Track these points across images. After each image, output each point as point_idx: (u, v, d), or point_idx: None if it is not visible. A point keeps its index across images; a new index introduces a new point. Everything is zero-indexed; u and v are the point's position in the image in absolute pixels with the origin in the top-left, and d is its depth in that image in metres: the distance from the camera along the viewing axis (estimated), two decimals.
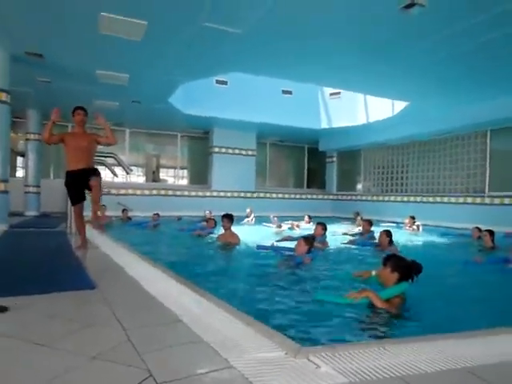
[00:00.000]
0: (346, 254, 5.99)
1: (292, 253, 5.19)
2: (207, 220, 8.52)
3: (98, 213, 5.26)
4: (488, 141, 11.09)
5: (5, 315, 2.39)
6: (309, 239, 5.20)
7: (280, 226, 9.41)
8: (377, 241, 6.56)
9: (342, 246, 6.73)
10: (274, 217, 11.09)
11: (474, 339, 2.18)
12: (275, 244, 6.00)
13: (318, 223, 6.59)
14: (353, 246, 6.78)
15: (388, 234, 6.05)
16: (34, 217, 11.21)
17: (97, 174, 4.99)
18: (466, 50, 6.56)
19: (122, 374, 1.68)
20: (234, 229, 6.59)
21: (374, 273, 3.50)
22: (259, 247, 5.93)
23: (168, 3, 5.34)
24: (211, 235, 7.42)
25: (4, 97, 7.17)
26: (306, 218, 10.75)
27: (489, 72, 7.73)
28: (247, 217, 11.36)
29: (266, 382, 1.61)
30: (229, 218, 6.35)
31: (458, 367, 1.80)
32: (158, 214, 10.46)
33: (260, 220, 11.16)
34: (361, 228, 9.21)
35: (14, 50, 7.14)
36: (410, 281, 3.07)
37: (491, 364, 1.85)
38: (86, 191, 5.05)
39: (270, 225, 9.84)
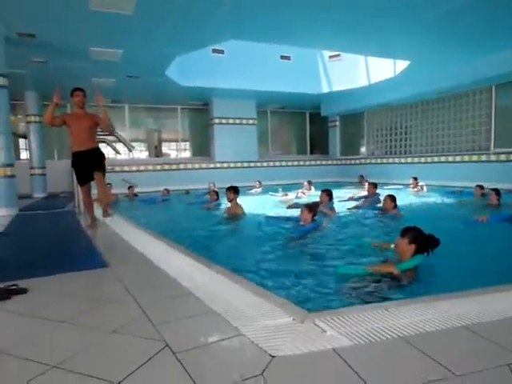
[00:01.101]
0: (354, 220, 6.04)
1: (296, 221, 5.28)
2: (210, 193, 8.60)
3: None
4: (493, 96, 10.87)
5: (25, 296, 2.51)
6: (312, 206, 5.24)
7: (286, 195, 9.45)
8: (381, 204, 6.60)
9: (348, 212, 6.76)
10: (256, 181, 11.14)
11: (474, 297, 2.26)
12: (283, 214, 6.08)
13: (323, 190, 6.58)
14: (359, 211, 6.80)
15: (392, 198, 6.08)
16: (42, 198, 11.36)
17: (102, 165, 5.16)
18: (467, 2, 6.33)
19: (140, 345, 1.78)
20: (241, 200, 6.65)
21: (392, 246, 3.53)
22: (268, 218, 6.02)
23: None
24: (219, 207, 7.49)
25: (2, 81, 7.10)
26: (306, 184, 10.58)
27: (491, 25, 7.48)
28: (255, 188, 11.37)
29: (274, 347, 1.71)
30: (232, 190, 6.41)
31: (457, 325, 1.88)
32: (167, 190, 10.55)
33: (266, 189, 11.22)
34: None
35: (5, 32, 7.01)
36: (426, 254, 3.10)
37: (490, 321, 1.93)
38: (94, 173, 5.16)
39: (277, 194, 9.89)
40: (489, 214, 5.37)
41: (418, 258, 3.07)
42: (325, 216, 6.00)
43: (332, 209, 6.31)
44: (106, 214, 5.53)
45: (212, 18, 6.76)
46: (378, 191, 8.04)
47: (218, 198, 8.00)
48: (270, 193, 10.22)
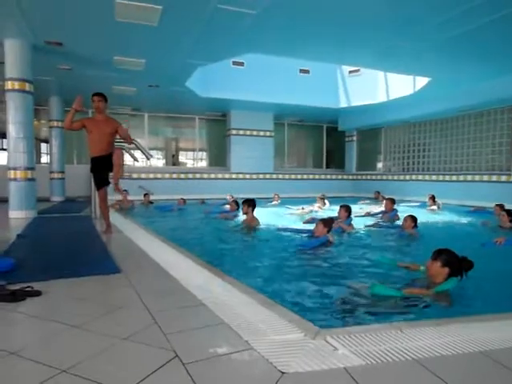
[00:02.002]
0: (372, 238, 5.95)
1: (309, 235, 5.24)
2: (230, 203, 8.61)
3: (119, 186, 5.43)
4: None
5: (38, 299, 2.54)
6: (328, 221, 5.20)
7: (302, 209, 9.38)
8: (399, 221, 6.49)
9: (366, 228, 6.65)
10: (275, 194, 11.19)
11: (490, 323, 2.19)
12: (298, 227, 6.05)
13: (341, 206, 6.50)
14: (377, 229, 6.70)
15: (413, 219, 5.99)
16: (60, 202, 11.59)
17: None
18: (489, 21, 6.27)
19: (151, 354, 1.78)
20: (258, 212, 6.62)
21: (422, 268, 3.45)
22: (279, 230, 6.02)
23: None
24: (236, 218, 7.50)
25: (27, 87, 7.34)
26: (319, 199, 10.17)
27: (510, 46, 7.40)
28: (274, 200, 11.36)
29: (285, 363, 1.68)
30: (247, 204, 6.39)
31: (473, 350, 1.83)
32: (184, 200, 10.61)
33: (284, 201, 11.24)
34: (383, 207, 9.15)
35: (34, 40, 7.26)
36: (460, 277, 3.01)
37: (507, 347, 1.87)
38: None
39: (293, 207, 9.84)
40: (506, 237, 5.21)
41: (453, 281, 2.96)
42: (342, 231, 5.96)
43: (350, 225, 6.25)
44: (108, 230, 5.47)
45: (233, 32, 6.87)
46: (395, 207, 7.94)
47: (238, 208, 8.00)
48: (287, 206, 10.18)
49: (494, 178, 11.04)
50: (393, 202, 8.01)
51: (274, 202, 11.20)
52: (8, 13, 6.18)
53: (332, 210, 8.99)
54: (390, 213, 7.69)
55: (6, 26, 6.80)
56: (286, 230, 6.08)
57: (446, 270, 3.00)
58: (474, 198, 10.99)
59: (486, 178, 11.29)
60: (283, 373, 1.61)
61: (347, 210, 6.41)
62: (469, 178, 11.79)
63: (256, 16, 6.12)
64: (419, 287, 3.00)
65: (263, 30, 6.84)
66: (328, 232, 5.03)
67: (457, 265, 3.01)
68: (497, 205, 8.03)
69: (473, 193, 11.28)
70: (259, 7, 5.83)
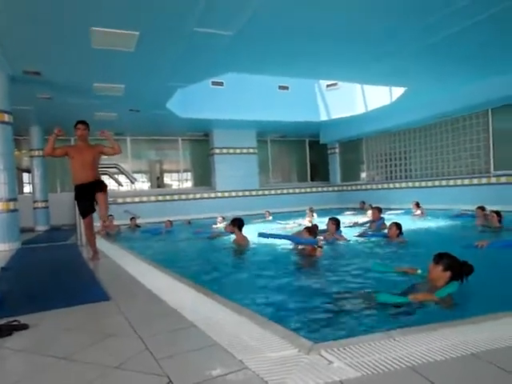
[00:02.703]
0: (361, 247, 5.99)
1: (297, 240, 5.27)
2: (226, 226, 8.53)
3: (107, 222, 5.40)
4: (490, 120, 11.02)
5: (26, 332, 2.48)
6: (311, 228, 5.25)
7: (294, 223, 9.40)
8: (387, 230, 6.57)
9: (355, 238, 6.72)
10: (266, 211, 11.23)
11: (480, 324, 2.22)
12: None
13: (330, 218, 6.56)
14: (365, 237, 6.76)
15: (398, 226, 6.08)
16: (45, 231, 11.37)
17: (103, 187, 5.15)
18: (462, 30, 6.50)
19: (143, 381, 1.75)
20: (250, 229, 6.59)
21: (419, 271, 3.51)
22: (261, 234, 5.91)
23: (156, 12, 5.38)
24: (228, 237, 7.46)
25: (6, 118, 7.28)
26: (308, 212, 10.44)
27: (485, 50, 7.68)
28: (266, 217, 11.46)
29: (280, 381, 1.67)
30: (233, 223, 6.35)
31: (465, 353, 1.84)
32: (170, 221, 10.56)
33: (276, 217, 11.32)
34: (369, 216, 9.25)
35: (11, 71, 7.25)
36: (460, 281, 3.05)
37: (498, 348, 1.89)
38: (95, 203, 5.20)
39: (282, 222, 9.86)
40: (489, 240, 5.30)
41: (454, 284, 3.00)
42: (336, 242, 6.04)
43: (341, 236, 6.32)
44: (95, 257, 5.40)
45: (211, 53, 6.97)
46: (382, 215, 8.04)
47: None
48: (277, 221, 10.21)
49: (475, 181, 11.29)
50: (379, 210, 8.11)
51: (267, 219, 11.26)
52: None
53: (321, 223, 9.04)
54: (377, 221, 7.77)
55: None
56: (264, 234, 6.04)
57: (448, 273, 3.04)
58: (457, 202, 11.20)
59: (467, 181, 11.54)
60: None
61: (335, 222, 6.46)
62: (451, 182, 12.04)
63: (232, 37, 6.23)
64: (423, 292, 3.00)
65: (240, 49, 6.96)
66: (314, 238, 5.06)
67: (458, 269, 3.05)
68: (478, 207, 8.21)
69: (456, 197, 11.50)
70: (235, 28, 5.94)
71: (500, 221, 6.85)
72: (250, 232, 6.62)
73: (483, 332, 2.09)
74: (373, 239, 6.52)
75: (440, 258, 3.11)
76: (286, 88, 13.71)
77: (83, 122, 5.24)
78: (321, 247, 4.95)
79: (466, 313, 2.53)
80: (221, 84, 12.72)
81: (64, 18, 5.47)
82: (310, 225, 9.13)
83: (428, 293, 2.97)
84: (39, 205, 12.23)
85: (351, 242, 6.35)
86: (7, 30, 5.79)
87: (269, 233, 6.22)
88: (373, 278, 3.83)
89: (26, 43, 6.25)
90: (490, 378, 1.66)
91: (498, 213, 6.96)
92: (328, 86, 13.69)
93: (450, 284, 3.01)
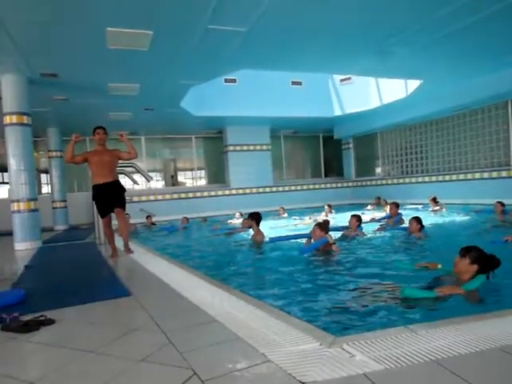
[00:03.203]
0: (380, 242, 5.94)
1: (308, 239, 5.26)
2: (242, 221, 8.57)
3: (129, 244, 5.57)
4: (509, 111, 10.77)
5: (52, 327, 2.55)
6: (323, 224, 5.19)
7: (310, 219, 9.39)
8: (405, 224, 6.49)
9: (373, 234, 6.66)
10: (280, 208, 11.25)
11: (505, 318, 2.19)
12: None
13: (352, 215, 6.58)
14: (384, 233, 6.69)
15: (418, 221, 5.98)
16: (64, 231, 11.60)
17: (122, 199, 5.34)
18: (475, 22, 6.37)
19: (169, 374, 1.78)
20: (266, 225, 6.62)
21: (439, 266, 3.49)
22: (271, 240, 6.03)
23: (170, 10, 5.41)
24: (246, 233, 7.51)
25: (25, 120, 7.44)
26: (327, 208, 10.54)
27: (503, 41, 7.51)
28: (281, 214, 11.46)
29: (304, 373, 1.68)
30: (251, 217, 6.42)
31: (491, 347, 1.82)
32: (186, 218, 10.67)
33: (291, 213, 11.34)
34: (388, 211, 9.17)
35: (29, 73, 7.39)
36: (487, 276, 3.03)
37: None
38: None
39: (298, 218, 9.86)
40: None
41: (481, 278, 2.98)
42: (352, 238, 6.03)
43: (361, 232, 6.32)
44: (127, 250, 5.52)
45: (224, 50, 6.98)
46: (399, 211, 7.93)
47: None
48: (294, 217, 10.21)
49: (495, 174, 11.06)
50: (397, 206, 7.99)
51: (282, 215, 11.29)
52: (3, 48, 6.30)
53: (334, 219, 9.03)
54: (395, 217, 7.66)
55: (1, 62, 6.93)
56: (275, 239, 6.08)
57: (475, 267, 3.02)
58: (476, 196, 11.00)
59: (486, 175, 11.31)
60: (303, 383, 1.61)
61: (358, 219, 6.46)
62: (469, 176, 11.82)
63: (246, 33, 6.23)
64: (449, 286, 2.98)
65: (254, 46, 6.95)
66: (326, 234, 5.03)
67: (485, 262, 3.03)
68: (497, 202, 8.05)
69: (475, 191, 11.29)
70: (248, 24, 5.94)
71: None
72: (265, 229, 6.65)
73: (509, 326, 2.06)
74: (391, 234, 6.46)
75: (467, 251, 3.08)
76: (299, 83, 13.63)
77: (102, 127, 5.39)
78: (334, 243, 4.93)
79: (492, 307, 2.50)
80: (234, 81, 12.74)
81: (81, 20, 5.55)
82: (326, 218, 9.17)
83: (454, 286, 2.94)
84: (58, 205, 12.47)
85: (370, 237, 6.30)
86: (25, 34, 5.90)
87: (277, 237, 6.27)
88: (393, 274, 3.80)
89: (44, 46, 6.37)
90: None
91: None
92: (342, 80, 13.56)
93: (476, 277, 2.98)
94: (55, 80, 7.83)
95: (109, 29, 5.81)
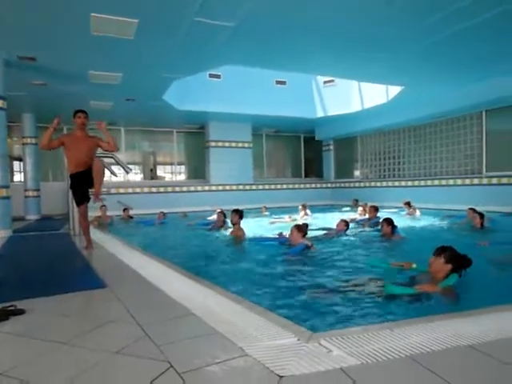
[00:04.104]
0: (358, 243, 6.04)
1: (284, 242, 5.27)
2: (218, 215, 8.52)
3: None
4: (483, 121, 11.14)
5: (23, 317, 2.46)
6: (301, 226, 5.21)
7: (289, 217, 9.40)
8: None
9: (350, 234, 6.80)
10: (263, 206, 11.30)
11: (475, 317, 2.26)
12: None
13: (342, 219, 6.73)
14: (360, 234, 6.82)
15: (389, 222, 6.11)
16: (36, 220, 11.26)
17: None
18: (457, 32, 6.57)
19: (144, 366, 1.75)
20: (246, 222, 6.63)
21: (414, 265, 3.63)
22: (251, 240, 6.05)
23: (157, 0, 5.33)
24: (225, 229, 7.48)
25: (0, 103, 7.16)
26: (301, 208, 10.38)
27: (480, 53, 7.75)
28: (263, 212, 11.49)
29: (282, 367, 1.69)
30: (237, 214, 6.40)
31: (462, 344, 1.88)
32: (163, 213, 10.53)
33: (271, 211, 11.39)
34: (362, 214, 9.32)
35: (6, 55, 7.12)
36: (459, 274, 3.14)
37: (493, 340, 1.93)
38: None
39: (275, 217, 9.87)
40: (489, 240, 5.38)
41: (455, 276, 3.11)
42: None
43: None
44: (89, 246, 5.32)
45: (211, 44, 6.93)
46: (378, 214, 8.08)
47: (225, 220, 7.95)
48: (273, 216, 10.22)
49: (468, 181, 11.42)
50: (376, 209, 8.15)
51: (263, 213, 11.30)
52: None
53: (316, 219, 9.12)
54: (372, 220, 7.83)
55: None
56: (254, 239, 6.12)
57: (449, 266, 3.14)
58: (450, 202, 11.33)
59: (459, 181, 11.66)
60: (281, 376, 1.61)
61: (346, 224, 6.63)
62: (443, 182, 12.16)
63: (233, 28, 6.20)
64: (428, 284, 3.10)
65: (241, 42, 6.93)
66: (303, 237, 5.06)
67: (459, 261, 3.15)
68: (469, 208, 8.30)
69: (449, 196, 11.64)
70: (236, 19, 5.91)
71: (482, 223, 6.90)
72: (246, 226, 6.65)
73: (480, 324, 2.13)
74: (367, 236, 6.59)
75: (442, 250, 3.22)
76: (283, 83, 13.69)
77: (84, 111, 5.16)
78: (312, 245, 4.96)
79: (464, 306, 2.58)
80: (218, 77, 12.66)
81: (64, 3, 5.39)
82: (305, 220, 9.23)
83: (432, 284, 3.07)
84: (30, 193, 12.09)
85: (347, 238, 6.39)
86: (2, 14, 5.69)
87: (259, 237, 6.29)
88: (370, 272, 3.88)
89: (23, 28, 6.15)
90: (487, 367, 1.69)
91: (480, 214, 7.02)
92: (325, 82, 13.69)
93: (450, 276, 3.11)
94: (34, 64, 7.58)
95: (93, 14, 5.67)
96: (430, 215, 9.85)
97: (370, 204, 10.14)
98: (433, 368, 1.65)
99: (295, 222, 8.24)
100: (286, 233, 5.50)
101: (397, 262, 3.95)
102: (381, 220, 6.61)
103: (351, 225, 7.87)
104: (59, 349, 1.98)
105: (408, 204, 10.43)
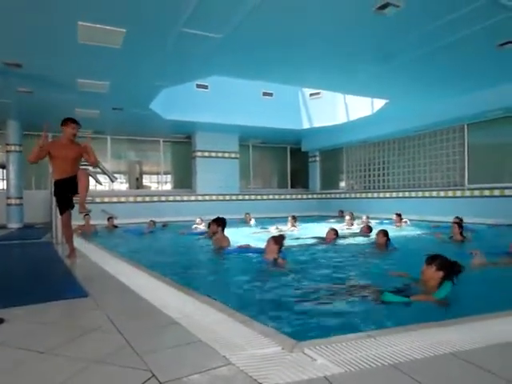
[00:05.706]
0: (346, 252, 6.08)
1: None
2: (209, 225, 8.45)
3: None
4: (465, 135, 11.41)
5: (1, 326, 2.40)
6: (278, 238, 5.05)
7: (277, 228, 9.38)
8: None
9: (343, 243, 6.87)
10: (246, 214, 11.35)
11: (459, 326, 2.29)
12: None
13: (332, 228, 6.80)
14: (351, 244, 6.86)
15: (385, 233, 6.16)
16: (18, 229, 11.02)
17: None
18: (440, 48, 6.75)
19: (126, 376, 1.72)
20: (229, 232, 6.59)
21: (409, 276, 3.69)
22: (227, 252, 5.87)
23: (146, 10, 5.34)
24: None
25: None
26: (290, 219, 10.26)
27: (462, 68, 7.99)
28: (246, 220, 11.43)
29: (265, 376, 1.68)
30: (215, 223, 6.35)
31: (444, 352, 1.90)
32: (153, 222, 10.43)
33: (260, 222, 11.39)
34: (348, 225, 9.42)
35: None
36: (452, 281, 3.19)
37: (476, 348, 1.96)
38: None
39: (265, 227, 9.86)
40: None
41: (449, 284, 3.16)
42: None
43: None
44: (72, 255, 5.20)
45: (198, 55, 6.96)
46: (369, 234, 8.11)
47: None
48: (261, 226, 10.20)
49: (450, 193, 11.63)
50: (370, 229, 8.14)
51: (249, 223, 11.23)
52: None
53: (305, 229, 9.14)
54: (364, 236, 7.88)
55: None
56: (230, 250, 5.99)
57: (441, 273, 3.19)
58: (432, 213, 11.51)
59: (442, 193, 11.87)
60: None
61: (335, 233, 6.74)
62: (427, 194, 12.36)
63: (221, 39, 6.25)
64: (421, 294, 3.17)
65: (228, 53, 6.98)
66: (279, 250, 4.86)
67: (450, 268, 3.20)
68: (455, 217, 8.43)
69: (431, 208, 11.82)
70: (225, 31, 5.97)
71: (461, 233, 6.97)
72: (231, 235, 6.63)
73: (462, 332, 2.17)
74: (358, 246, 6.64)
75: (433, 259, 3.29)
76: (270, 95, 13.83)
77: (77, 122, 5.08)
78: (279, 258, 4.82)
79: (458, 312, 2.61)
80: (205, 87, 12.72)
81: (51, 11, 5.35)
82: (291, 232, 9.24)
83: (426, 294, 3.13)
84: (13, 201, 11.83)
85: (337, 247, 6.46)
86: None
87: (237, 248, 6.11)
88: (360, 280, 3.91)
89: (9, 34, 6.08)
90: (469, 375, 1.71)
91: (459, 225, 7.10)
92: (311, 94, 13.88)
93: (444, 285, 3.16)
94: (19, 71, 7.49)
95: (80, 23, 5.65)
96: (418, 226, 9.97)
97: (365, 219, 10.28)
98: (415, 376, 1.67)
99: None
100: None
101: (395, 272, 4.04)
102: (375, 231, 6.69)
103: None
104: (39, 358, 1.93)
105: (399, 216, 10.55)
